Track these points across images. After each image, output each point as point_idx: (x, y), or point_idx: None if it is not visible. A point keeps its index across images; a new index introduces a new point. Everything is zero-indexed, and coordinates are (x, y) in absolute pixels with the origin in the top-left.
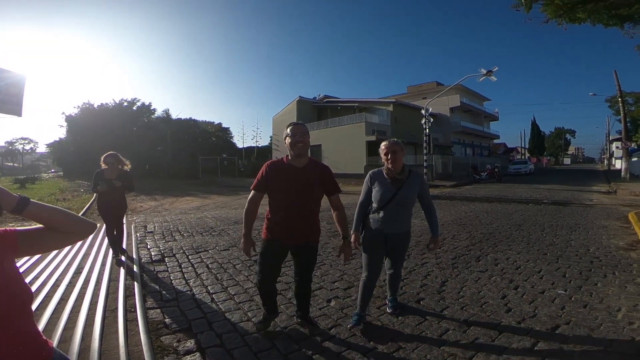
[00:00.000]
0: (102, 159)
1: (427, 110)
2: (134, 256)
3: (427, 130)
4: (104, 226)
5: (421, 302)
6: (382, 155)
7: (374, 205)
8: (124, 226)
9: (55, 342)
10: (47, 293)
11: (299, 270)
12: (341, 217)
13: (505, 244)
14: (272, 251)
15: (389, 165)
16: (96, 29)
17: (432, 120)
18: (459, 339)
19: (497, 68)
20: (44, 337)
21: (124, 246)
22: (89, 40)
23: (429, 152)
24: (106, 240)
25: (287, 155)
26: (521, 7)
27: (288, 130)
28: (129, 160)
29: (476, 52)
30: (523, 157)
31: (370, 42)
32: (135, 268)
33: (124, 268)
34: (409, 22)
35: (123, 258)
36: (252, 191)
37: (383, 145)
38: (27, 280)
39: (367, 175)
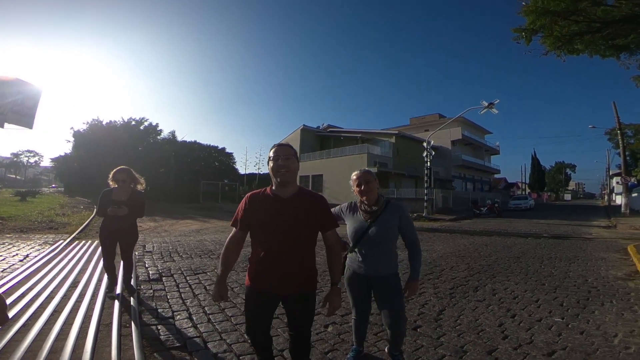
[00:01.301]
0: (111, 175)
1: (428, 142)
2: (132, 274)
3: (429, 163)
4: (102, 256)
5: (418, 330)
6: (353, 187)
7: (350, 242)
8: (134, 259)
9: (45, 352)
10: (40, 304)
11: (294, 325)
12: (335, 258)
13: (504, 275)
14: (257, 303)
15: (362, 198)
16: (110, 49)
17: (433, 153)
18: None
19: (498, 100)
20: None
21: (133, 283)
22: (102, 60)
23: (429, 185)
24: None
25: (271, 185)
26: (521, 40)
27: (271, 152)
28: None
29: (478, 84)
30: (523, 192)
31: (375, 73)
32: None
33: (118, 300)
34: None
35: (118, 291)
36: (233, 229)
37: (354, 175)
38: (21, 290)
39: (345, 204)
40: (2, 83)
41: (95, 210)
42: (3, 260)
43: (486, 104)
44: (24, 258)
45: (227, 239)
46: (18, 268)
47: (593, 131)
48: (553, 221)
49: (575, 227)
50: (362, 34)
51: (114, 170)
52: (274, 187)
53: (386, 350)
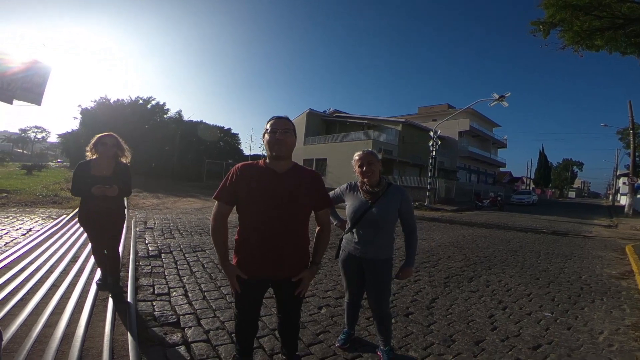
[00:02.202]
0: (93, 141)
1: (435, 132)
2: (131, 249)
3: (434, 152)
4: (89, 245)
5: (410, 316)
6: (355, 167)
7: (348, 223)
8: (121, 247)
9: (40, 326)
10: (39, 278)
11: (284, 307)
12: (323, 239)
13: (500, 267)
14: (248, 291)
15: (364, 179)
16: (119, 28)
17: (439, 142)
18: (442, 353)
19: (509, 93)
20: None
21: (128, 280)
22: (112, 39)
23: (433, 175)
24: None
25: (265, 158)
26: (538, 33)
27: (268, 125)
28: (130, 150)
29: (489, 76)
30: (528, 187)
31: (385, 60)
32: (130, 261)
33: (103, 290)
34: (425, 44)
35: (97, 277)
36: (216, 202)
37: (357, 155)
38: (22, 264)
39: (345, 184)
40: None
41: (73, 189)
42: (6, 234)
43: (497, 96)
44: (27, 232)
45: (212, 218)
46: (20, 242)
47: (604, 130)
48: (554, 218)
49: (576, 224)
50: (372, 23)
51: (98, 135)
52: (267, 161)
53: (378, 352)
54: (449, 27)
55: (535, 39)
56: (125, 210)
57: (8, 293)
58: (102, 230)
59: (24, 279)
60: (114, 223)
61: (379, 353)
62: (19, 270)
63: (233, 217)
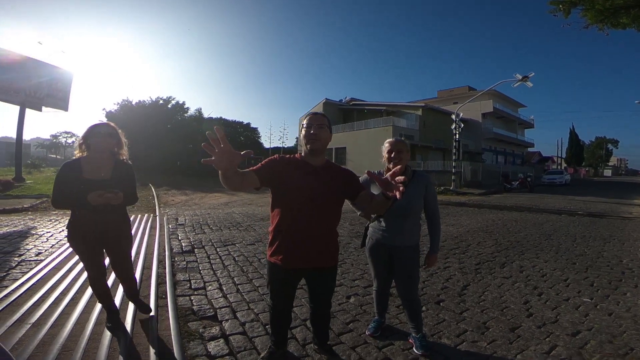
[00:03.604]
0: (85, 132)
1: (457, 115)
2: (166, 246)
3: (457, 135)
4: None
5: (441, 304)
6: (384, 154)
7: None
8: (134, 268)
9: (91, 324)
10: (86, 278)
11: (316, 297)
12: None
13: (533, 252)
14: (280, 279)
15: (389, 165)
16: (136, 32)
17: (462, 125)
18: (476, 340)
19: (533, 74)
20: None
21: (152, 307)
22: (130, 43)
23: (458, 158)
24: (145, 226)
25: (300, 153)
26: (559, 12)
27: (304, 120)
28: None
29: (511, 56)
30: (559, 167)
31: (400, 45)
32: (167, 257)
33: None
34: (441, 25)
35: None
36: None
37: (387, 143)
38: (69, 264)
39: (364, 176)
40: (23, 64)
41: (54, 197)
42: (51, 236)
43: (520, 77)
44: None
45: None
46: (65, 244)
47: (638, 107)
48: (590, 198)
49: (613, 205)
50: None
51: (90, 126)
52: (303, 155)
53: (409, 339)
54: (465, 8)
55: (556, 19)
56: (129, 221)
57: (60, 293)
58: (102, 252)
59: (72, 279)
60: (118, 241)
61: (410, 340)
62: (66, 271)
63: (263, 210)
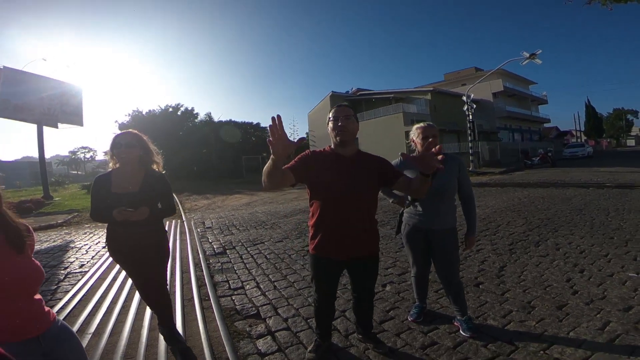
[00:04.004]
0: (110, 144)
1: (468, 96)
2: (199, 249)
3: (470, 116)
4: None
5: (480, 286)
6: (415, 139)
7: (408, 197)
8: (167, 285)
9: (145, 330)
10: (131, 285)
11: (359, 286)
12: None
13: (567, 228)
14: (324, 270)
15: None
16: (141, 44)
17: (474, 106)
18: (524, 320)
19: (540, 51)
20: (44, 310)
21: (179, 327)
22: (135, 53)
23: (474, 138)
24: (174, 232)
25: (330, 145)
26: None
27: (330, 114)
28: (163, 156)
29: (515, 35)
30: (579, 140)
31: (401, 31)
32: (202, 260)
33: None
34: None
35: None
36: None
37: (417, 128)
38: (112, 274)
39: (396, 161)
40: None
41: (92, 213)
42: (89, 248)
43: (527, 54)
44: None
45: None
46: (104, 254)
47: None
48: (616, 169)
49: None
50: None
51: (114, 136)
52: (333, 147)
53: (455, 322)
54: None
55: None
56: (167, 235)
57: (110, 302)
58: (140, 266)
59: (118, 288)
60: (154, 257)
61: (456, 323)
62: (111, 280)
63: (284, 207)
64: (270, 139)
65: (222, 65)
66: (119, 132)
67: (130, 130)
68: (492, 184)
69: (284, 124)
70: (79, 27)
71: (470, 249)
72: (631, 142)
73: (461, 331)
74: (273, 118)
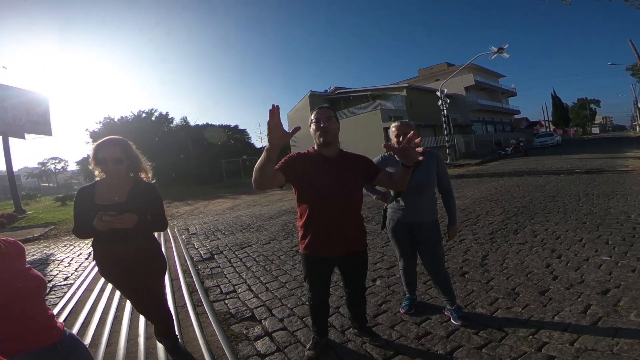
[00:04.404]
0: (92, 153)
1: (442, 91)
2: (185, 256)
3: (445, 110)
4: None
5: (466, 276)
6: (392, 138)
7: (391, 193)
8: (167, 300)
9: (142, 339)
10: (120, 294)
11: (351, 282)
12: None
13: (542, 215)
14: (316, 268)
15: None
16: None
17: (448, 101)
18: (510, 306)
19: (507, 45)
20: (54, 321)
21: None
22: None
23: (449, 132)
24: (159, 239)
25: (313, 147)
26: None
27: (312, 116)
28: (152, 163)
29: (484, 29)
30: (548, 129)
31: (374, 30)
32: (190, 266)
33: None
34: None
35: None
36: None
37: (393, 127)
38: (99, 285)
39: (377, 159)
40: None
41: (75, 228)
42: (72, 260)
43: (495, 49)
44: (89, 256)
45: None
46: (88, 266)
47: (612, 68)
48: (584, 155)
49: (608, 159)
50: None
51: (96, 144)
52: (317, 148)
53: (445, 312)
54: None
55: None
56: (162, 250)
57: (102, 312)
58: (134, 283)
59: (107, 298)
60: (149, 273)
61: (446, 313)
62: (99, 291)
63: (268, 209)
64: (269, 122)
65: (197, 68)
66: (91, 140)
67: (113, 138)
68: (469, 175)
69: (264, 125)
70: (45, 33)
71: (452, 239)
72: (595, 130)
73: (452, 320)
74: (273, 106)
